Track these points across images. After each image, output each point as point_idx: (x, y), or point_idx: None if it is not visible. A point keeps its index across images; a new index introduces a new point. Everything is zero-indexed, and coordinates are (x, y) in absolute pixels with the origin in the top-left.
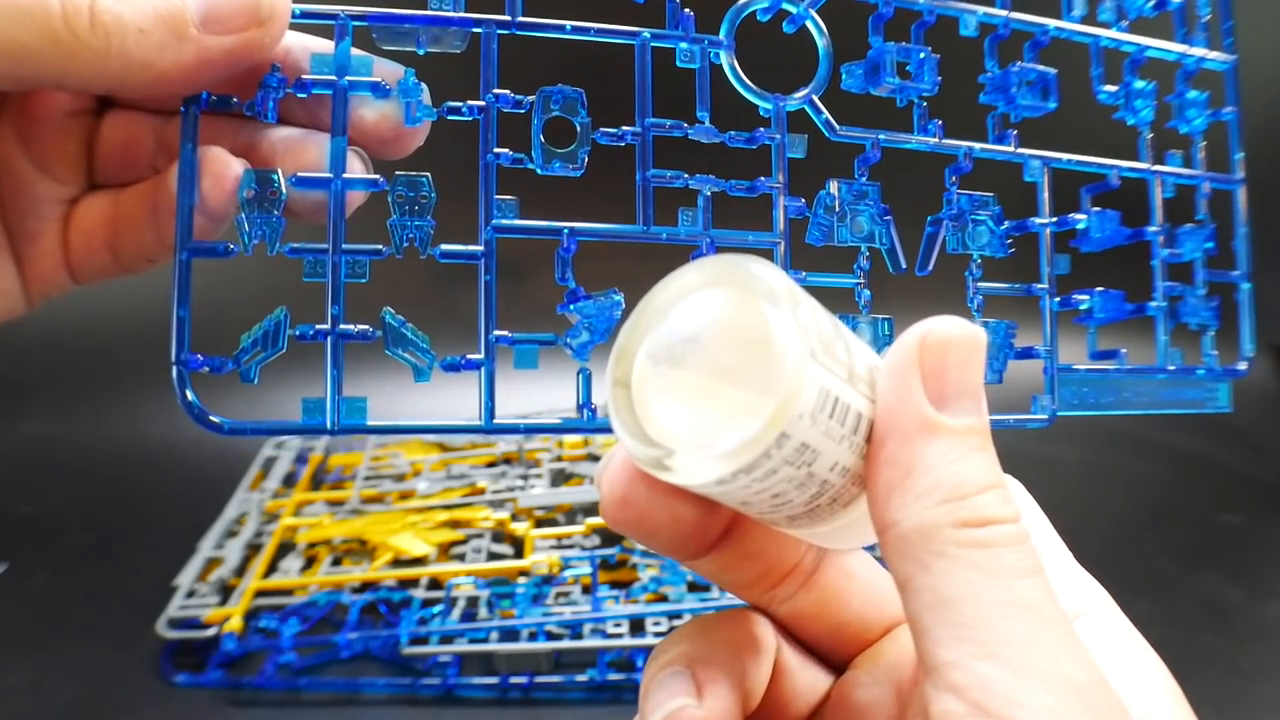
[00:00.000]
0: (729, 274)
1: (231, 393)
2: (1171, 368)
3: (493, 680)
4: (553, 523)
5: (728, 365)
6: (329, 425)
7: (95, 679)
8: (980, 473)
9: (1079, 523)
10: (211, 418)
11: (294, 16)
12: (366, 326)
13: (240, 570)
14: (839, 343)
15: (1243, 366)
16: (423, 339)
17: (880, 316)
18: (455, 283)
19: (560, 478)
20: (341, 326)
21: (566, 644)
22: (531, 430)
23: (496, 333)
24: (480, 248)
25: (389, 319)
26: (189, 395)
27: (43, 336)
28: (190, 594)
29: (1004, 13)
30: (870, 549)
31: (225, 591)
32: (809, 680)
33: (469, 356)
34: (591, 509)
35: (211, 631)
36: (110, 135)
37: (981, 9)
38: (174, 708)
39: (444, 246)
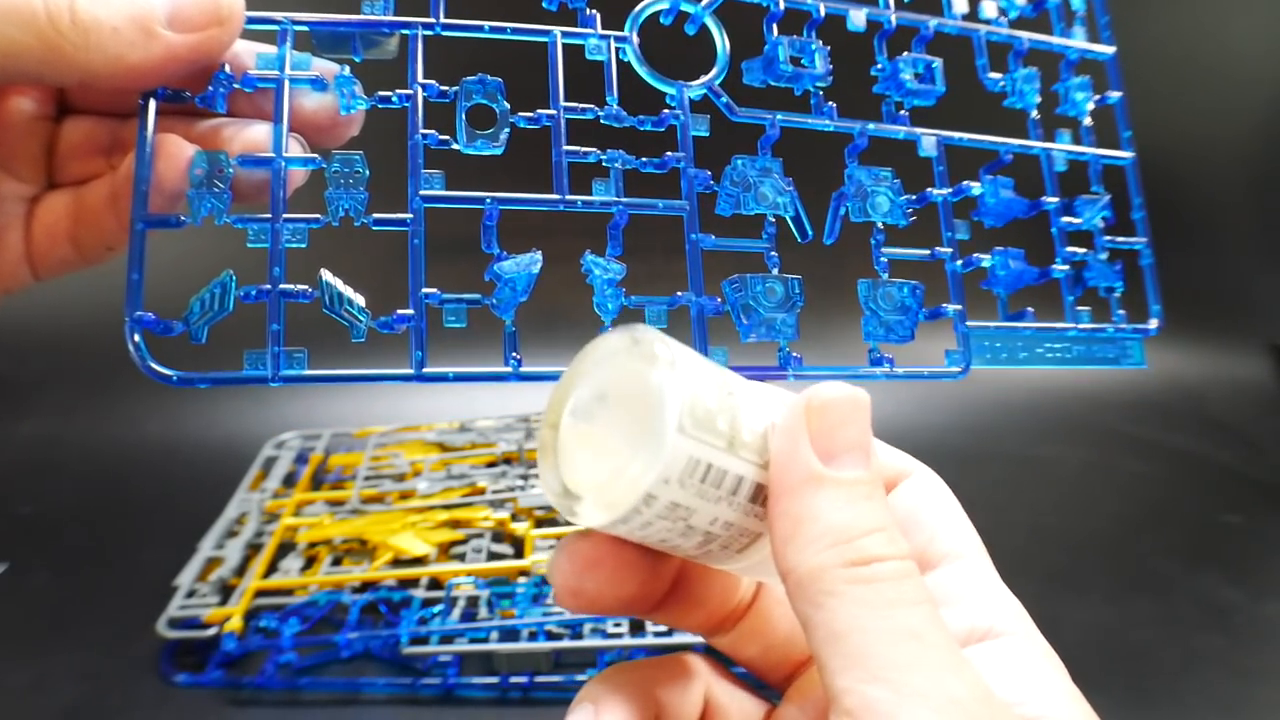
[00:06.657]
0: (639, 346)
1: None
2: (1081, 326)
3: (493, 680)
4: (553, 522)
5: (625, 425)
6: (269, 375)
7: (95, 679)
8: (866, 518)
9: (1079, 523)
10: (158, 367)
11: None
12: (305, 287)
13: (240, 570)
14: (721, 416)
15: (1153, 325)
16: (357, 299)
17: (791, 276)
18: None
19: None
20: (282, 286)
21: (566, 644)
22: (460, 379)
23: (425, 290)
24: (410, 216)
25: (325, 280)
26: (138, 339)
27: (43, 336)
28: (190, 594)
29: (888, 10)
30: None
31: (225, 591)
32: (742, 712)
33: (400, 312)
34: None
35: (211, 631)
36: (69, 137)
37: (867, 7)
38: (174, 708)
39: (377, 215)
